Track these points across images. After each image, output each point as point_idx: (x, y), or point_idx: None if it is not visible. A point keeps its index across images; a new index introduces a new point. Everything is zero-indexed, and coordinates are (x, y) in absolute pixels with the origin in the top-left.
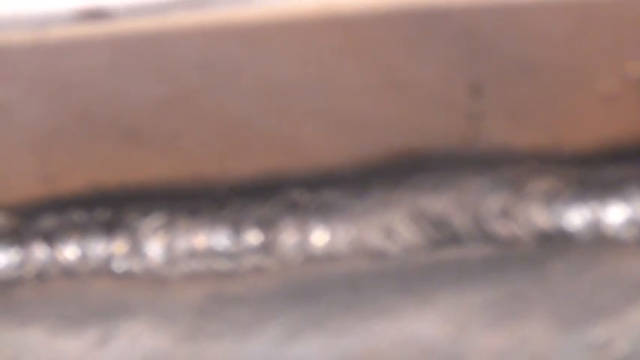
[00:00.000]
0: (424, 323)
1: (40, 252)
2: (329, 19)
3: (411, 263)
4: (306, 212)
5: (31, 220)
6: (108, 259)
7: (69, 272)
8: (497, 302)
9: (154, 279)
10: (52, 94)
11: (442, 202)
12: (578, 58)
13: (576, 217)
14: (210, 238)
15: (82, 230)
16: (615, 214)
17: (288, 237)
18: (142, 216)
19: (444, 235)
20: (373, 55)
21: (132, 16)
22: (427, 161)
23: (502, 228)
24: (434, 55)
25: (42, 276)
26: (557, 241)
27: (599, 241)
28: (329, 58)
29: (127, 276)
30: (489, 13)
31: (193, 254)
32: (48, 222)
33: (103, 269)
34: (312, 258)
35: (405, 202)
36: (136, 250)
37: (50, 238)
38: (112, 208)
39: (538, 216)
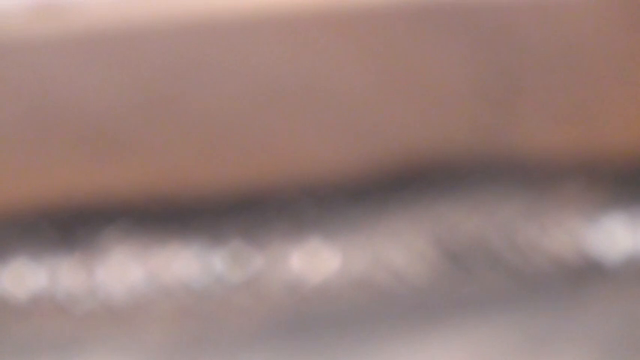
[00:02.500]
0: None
1: None
2: (328, 14)
3: (420, 291)
4: (297, 231)
5: None
6: (65, 287)
7: (19, 303)
8: (519, 335)
9: (116, 312)
10: (6, 97)
11: (458, 222)
12: (624, 58)
13: (611, 240)
14: (184, 263)
15: (34, 253)
16: None
17: (275, 260)
18: (106, 236)
19: (460, 259)
20: (380, 53)
21: (97, 9)
22: (441, 172)
23: (527, 251)
24: (455, 53)
25: None
26: (589, 268)
27: (636, 268)
28: (330, 56)
29: (86, 308)
30: (512, 10)
31: (162, 282)
32: None
33: (59, 299)
34: (302, 285)
35: (415, 219)
36: (98, 276)
37: None
38: (70, 227)
39: (569, 238)
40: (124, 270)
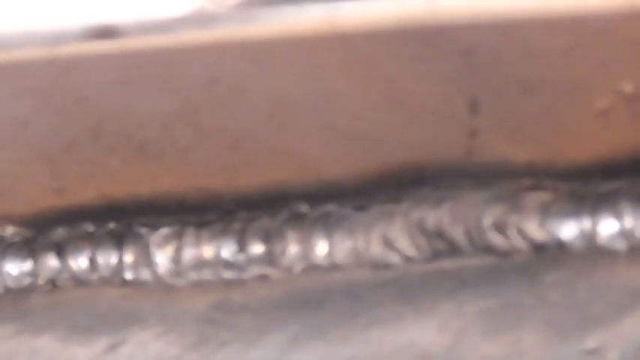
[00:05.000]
0: (422, 331)
1: (52, 262)
2: (332, 37)
3: (409, 273)
4: (309, 224)
5: (43, 231)
6: (118, 269)
7: (80, 281)
8: (493, 311)
9: (162, 288)
10: (63, 108)
11: (441, 215)
12: (574, 75)
13: (570, 229)
14: (217, 249)
15: (92, 241)
16: (608, 225)
17: (291, 248)
18: (152, 227)
19: (442, 246)
20: (375, 72)
21: (141, 33)
22: (427, 175)
23: (499, 240)
24: (434, 72)
25: (54, 285)
26: (551, 252)
27: (593, 251)
28: (332, 75)
29: (137, 285)
30: (487, 31)
31: (200, 264)
32: (60, 233)
33: (114, 278)
34: (314, 268)
35: (405, 214)
36: (145, 259)
37: (62, 248)
38: (122, 219)
39: (533, 228)
40: (174, 251)
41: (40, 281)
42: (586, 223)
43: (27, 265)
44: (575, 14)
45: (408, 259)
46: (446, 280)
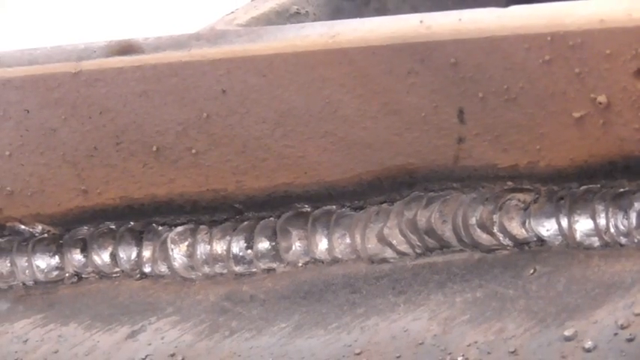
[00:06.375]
0: (414, 320)
1: (77, 257)
2: (333, 52)
3: (403, 267)
4: (311, 223)
5: (69, 229)
6: (137, 263)
7: (103, 275)
8: (479, 301)
9: (178, 280)
10: (88, 117)
11: (431, 214)
12: (552, 87)
13: (549, 227)
14: (228, 245)
15: (114, 238)
16: (583, 224)
17: (295, 244)
18: (168, 225)
19: (432, 243)
20: (371, 84)
21: (158, 49)
22: (418, 178)
23: (484, 237)
24: (425, 84)
25: (79, 278)
26: (532, 248)
27: (570, 248)
28: (332, 87)
29: (154, 278)
30: (473, 46)
31: (212, 259)
32: (84, 231)
33: (133, 272)
34: (316, 263)
35: (399, 213)
36: (162, 254)
37: (86, 244)
38: (141, 218)
39: (516, 226)
40: (188, 247)
41: (67, 274)
42: (564, 222)
43: (55, 260)
44: (552, 30)
45: (401, 254)
46: (436, 274)
